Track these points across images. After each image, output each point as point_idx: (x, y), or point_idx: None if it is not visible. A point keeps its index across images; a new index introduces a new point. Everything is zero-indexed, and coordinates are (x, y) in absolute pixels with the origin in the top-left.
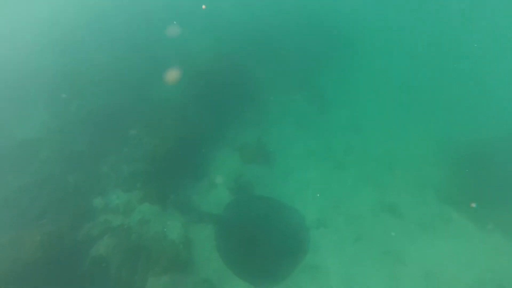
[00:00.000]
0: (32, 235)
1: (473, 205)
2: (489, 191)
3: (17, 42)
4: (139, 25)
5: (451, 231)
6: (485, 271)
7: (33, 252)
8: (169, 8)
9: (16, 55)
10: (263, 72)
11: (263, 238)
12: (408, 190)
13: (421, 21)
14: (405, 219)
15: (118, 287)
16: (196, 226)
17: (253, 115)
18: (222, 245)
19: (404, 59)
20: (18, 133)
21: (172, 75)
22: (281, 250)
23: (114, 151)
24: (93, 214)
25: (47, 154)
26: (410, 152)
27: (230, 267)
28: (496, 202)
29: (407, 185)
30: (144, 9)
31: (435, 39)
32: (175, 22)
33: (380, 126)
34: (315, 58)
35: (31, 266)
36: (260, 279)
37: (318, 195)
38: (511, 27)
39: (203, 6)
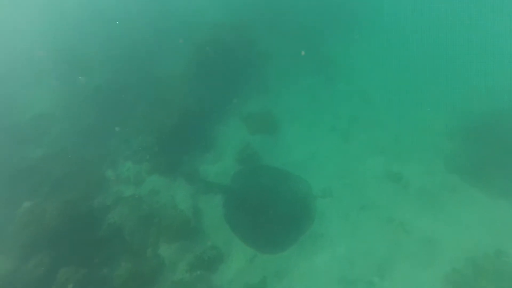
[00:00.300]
0: (51, 202)
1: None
2: (500, 162)
3: (29, 19)
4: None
5: (455, 200)
6: (485, 236)
7: (54, 218)
8: None
9: (28, 33)
10: (270, 42)
11: (270, 207)
12: (415, 159)
13: None
14: (410, 188)
15: (132, 251)
16: (205, 196)
17: (260, 86)
18: (230, 214)
19: (417, 25)
20: (32, 109)
21: (178, 47)
22: (287, 219)
23: (123, 124)
24: (106, 185)
25: (59, 128)
26: (419, 121)
27: (237, 234)
28: (506, 174)
29: (414, 155)
30: None
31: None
32: None
33: (389, 95)
34: (323, 27)
35: (53, 230)
36: (266, 246)
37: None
38: None
39: None
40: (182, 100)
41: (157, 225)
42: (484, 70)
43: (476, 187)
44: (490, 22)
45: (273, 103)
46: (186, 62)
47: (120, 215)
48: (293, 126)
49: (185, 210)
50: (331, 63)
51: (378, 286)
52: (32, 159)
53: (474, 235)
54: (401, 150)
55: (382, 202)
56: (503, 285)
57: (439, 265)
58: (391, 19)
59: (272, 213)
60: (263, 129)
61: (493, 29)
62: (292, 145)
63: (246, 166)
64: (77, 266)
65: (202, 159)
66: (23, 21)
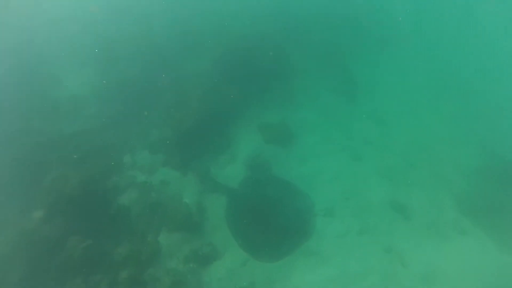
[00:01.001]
0: (74, 174)
1: None
2: None
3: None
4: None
5: (462, 242)
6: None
7: (74, 188)
8: None
9: (81, 20)
10: (296, 56)
11: (271, 217)
12: (425, 192)
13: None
14: (415, 221)
15: (135, 233)
16: (211, 195)
17: (280, 97)
18: (231, 217)
19: (445, 49)
20: (71, 89)
21: (206, 49)
22: (285, 231)
23: (146, 116)
24: (122, 168)
25: (92, 110)
26: (436, 153)
27: (235, 237)
28: None
29: (425, 187)
30: None
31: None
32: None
33: (408, 122)
34: (352, 46)
35: (71, 199)
36: (260, 253)
37: None
38: None
39: None
40: (204, 100)
41: (161, 214)
42: None
43: (487, 235)
44: None
45: (291, 115)
46: (212, 64)
47: (130, 198)
48: (307, 141)
49: (190, 205)
50: (354, 84)
51: None
52: (65, 132)
53: (475, 284)
54: (412, 180)
55: (383, 229)
56: None
57: None
58: (424, 45)
59: (272, 223)
60: (277, 140)
61: None
62: (303, 159)
63: (255, 173)
64: (85, 236)
65: (214, 160)
66: (77, 8)
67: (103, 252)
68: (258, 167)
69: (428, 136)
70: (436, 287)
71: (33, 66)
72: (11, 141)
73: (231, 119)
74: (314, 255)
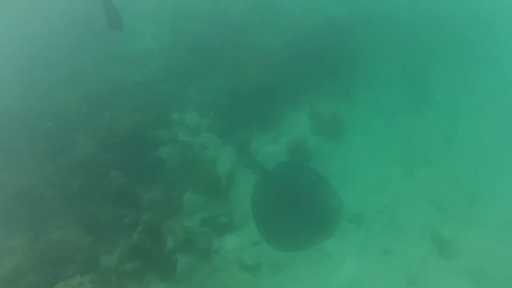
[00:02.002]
0: (127, 116)
1: None
2: None
3: None
4: None
5: None
6: None
7: (123, 128)
8: None
9: None
10: (366, 49)
11: (296, 207)
12: (480, 235)
13: None
14: (453, 262)
15: (165, 186)
16: (244, 169)
17: (340, 89)
18: (257, 195)
19: None
20: (140, 42)
21: (280, 26)
22: (306, 225)
23: (204, 78)
24: (169, 123)
25: (157, 64)
26: (504, 195)
27: (254, 216)
28: None
29: (481, 229)
30: None
31: None
32: None
33: (482, 150)
34: (433, 50)
35: (118, 137)
36: (275, 239)
37: None
38: None
39: None
40: (264, 76)
41: (193, 175)
42: None
43: None
44: None
45: (346, 110)
46: (283, 41)
47: (169, 152)
48: (356, 141)
49: (221, 174)
50: (426, 91)
51: None
52: (130, 82)
53: None
54: (468, 216)
55: (412, 258)
56: None
57: None
58: None
59: (295, 213)
60: (325, 132)
61: None
62: (346, 158)
63: (294, 159)
64: (123, 174)
65: (258, 136)
66: None
67: (134, 193)
68: (298, 154)
69: (501, 174)
70: None
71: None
72: (81, 80)
73: (285, 99)
74: (328, 257)
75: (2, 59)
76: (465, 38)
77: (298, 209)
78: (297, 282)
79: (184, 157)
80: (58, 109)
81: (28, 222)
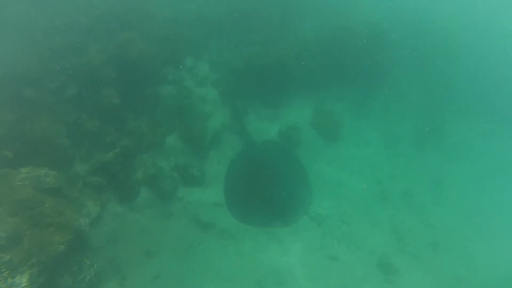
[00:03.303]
0: (141, 45)
1: None
2: None
3: None
4: None
5: None
6: None
7: (135, 54)
8: None
9: None
10: (398, 73)
11: (267, 187)
12: (425, 277)
13: None
14: None
15: (153, 120)
16: (233, 135)
17: (355, 97)
18: (236, 164)
19: None
20: None
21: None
22: (270, 207)
23: (231, 39)
24: (180, 65)
25: (191, 6)
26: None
27: (225, 181)
28: None
29: (428, 272)
30: None
31: None
32: None
33: (466, 200)
34: (457, 97)
35: (128, 62)
36: (235, 207)
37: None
38: None
39: None
40: (290, 58)
41: (183, 120)
42: None
43: None
44: None
45: (351, 119)
46: (318, 35)
47: (168, 92)
48: (349, 150)
49: (209, 130)
50: (437, 135)
51: None
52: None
53: None
54: (423, 257)
55: (354, 275)
56: None
57: None
58: None
59: (264, 192)
60: (323, 130)
61: None
62: (332, 162)
63: (283, 143)
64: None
65: (258, 109)
66: None
67: (122, 116)
68: (289, 140)
69: (474, 233)
70: None
71: None
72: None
73: (298, 87)
74: (277, 243)
75: None
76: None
77: (268, 190)
78: (239, 252)
79: (180, 101)
80: (81, 6)
81: (20, 103)
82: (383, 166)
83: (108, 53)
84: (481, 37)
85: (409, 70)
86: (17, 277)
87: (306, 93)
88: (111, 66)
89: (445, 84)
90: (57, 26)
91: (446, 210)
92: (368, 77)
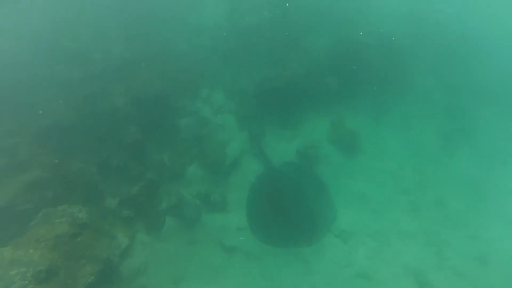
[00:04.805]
0: (159, 83)
1: None
2: None
3: None
4: None
5: None
6: None
7: (152, 91)
8: None
9: None
10: (415, 77)
11: (290, 207)
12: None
13: None
14: None
15: (174, 152)
16: (251, 158)
17: (373, 107)
18: (256, 186)
19: None
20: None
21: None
22: (293, 226)
23: (243, 65)
24: (196, 97)
25: (203, 39)
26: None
27: (248, 204)
28: None
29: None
30: None
31: None
32: None
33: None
34: (482, 92)
35: (147, 99)
36: (258, 229)
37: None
38: None
39: None
40: (301, 75)
41: (202, 149)
42: None
43: None
44: None
45: (371, 130)
46: (328, 48)
47: (186, 123)
48: (371, 163)
49: (228, 156)
50: (466, 135)
51: None
52: (177, 49)
53: None
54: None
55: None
56: None
57: None
58: None
59: (287, 212)
60: (342, 144)
61: None
62: (354, 176)
63: (302, 162)
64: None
65: (274, 131)
66: None
67: (146, 150)
68: (308, 158)
69: None
70: None
71: None
72: (132, 37)
73: (313, 103)
74: (303, 262)
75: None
76: None
77: (290, 210)
78: (264, 274)
79: (198, 131)
80: (105, 57)
81: (59, 148)
82: (409, 176)
83: (130, 95)
84: (499, 24)
85: (426, 72)
86: None
87: (321, 110)
88: (133, 105)
89: (468, 79)
90: (85, 77)
91: (490, 218)
92: (384, 86)
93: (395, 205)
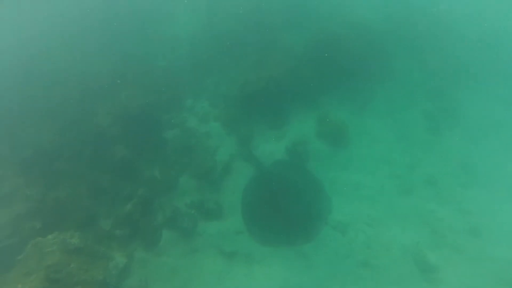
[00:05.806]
0: (143, 98)
1: None
2: None
3: None
4: None
5: None
6: None
7: (137, 109)
8: None
9: None
10: (394, 61)
11: (284, 205)
12: (471, 268)
13: None
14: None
15: (164, 163)
16: (241, 162)
17: (355, 98)
18: (249, 189)
19: None
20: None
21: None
22: (290, 224)
23: (223, 71)
24: (181, 108)
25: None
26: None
27: (242, 207)
28: None
29: (474, 262)
30: None
31: None
32: None
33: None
34: (462, 70)
35: (132, 116)
36: (256, 231)
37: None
38: None
39: None
40: (282, 73)
41: (191, 159)
42: None
43: None
44: None
45: (358, 119)
46: (305, 43)
47: (174, 135)
48: (360, 152)
49: (218, 162)
50: (451, 114)
51: None
52: (156, 64)
53: None
54: (464, 248)
55: (390, 278)
56: None
57: None
58: None
59: (282, 210)
60: (330, 137)
61: None
62: (345, 166)
63: (292, 160)
64: (128, 149)
65: (262, 132)
66: None
67: (136, 168)
68: (298, 155)
69: None
70: None
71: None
72: (111, 55)
73: (297, 100)
74: (304, 259)
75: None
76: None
77: (286, 209)
78: (268, 275)
79: (186, 142)
80: (83, 78)
81: (44, 176)
82: (398, 159)
83: (114, 113)
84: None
85: (406, 56)
86: None
87: (306, 105)
88: (118, 124)
89: (447, 59)
90: (66, 100)
91: (479, 192)
92: (365, 73)
93: (389, 190)
